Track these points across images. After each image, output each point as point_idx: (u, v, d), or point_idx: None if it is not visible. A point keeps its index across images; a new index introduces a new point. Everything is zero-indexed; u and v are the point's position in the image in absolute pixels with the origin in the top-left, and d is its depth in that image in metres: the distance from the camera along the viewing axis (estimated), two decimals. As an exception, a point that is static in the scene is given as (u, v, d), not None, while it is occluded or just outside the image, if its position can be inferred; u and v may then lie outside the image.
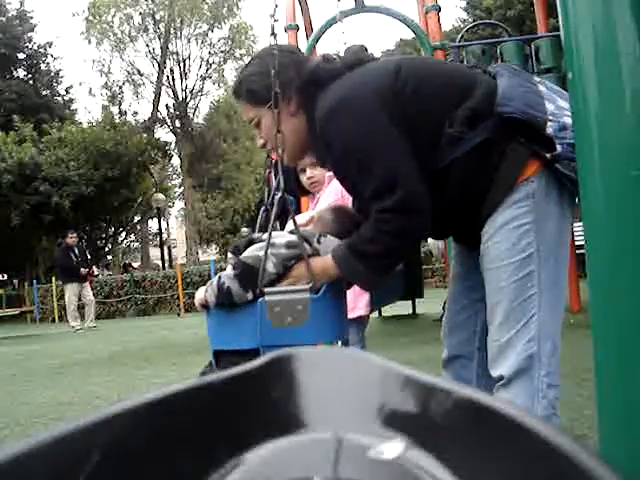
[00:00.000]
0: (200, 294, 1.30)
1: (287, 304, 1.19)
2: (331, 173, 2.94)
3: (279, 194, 1.26)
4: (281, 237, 1.27)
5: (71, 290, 9.91)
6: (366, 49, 1.34)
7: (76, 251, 10.08)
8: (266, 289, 1.21)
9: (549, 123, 1.13)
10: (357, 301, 2.38)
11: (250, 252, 1.26)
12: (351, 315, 1.83)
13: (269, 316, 1.19)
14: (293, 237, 1.26)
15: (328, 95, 1.22)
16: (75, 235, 10.50)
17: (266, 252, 1.21)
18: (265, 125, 1.31)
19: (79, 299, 10.12)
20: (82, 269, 9.93)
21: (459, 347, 1.40)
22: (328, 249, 1.27)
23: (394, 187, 1.13)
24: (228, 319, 1.27)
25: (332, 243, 1.30)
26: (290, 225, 1.35)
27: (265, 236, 1.27)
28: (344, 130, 1.19)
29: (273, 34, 1.29)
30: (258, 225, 1.45)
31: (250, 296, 1.21)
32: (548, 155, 1.13)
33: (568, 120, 1.14)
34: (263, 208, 1.41)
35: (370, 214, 1.18)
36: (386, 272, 1.26)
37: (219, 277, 1.24)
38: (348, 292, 1.37)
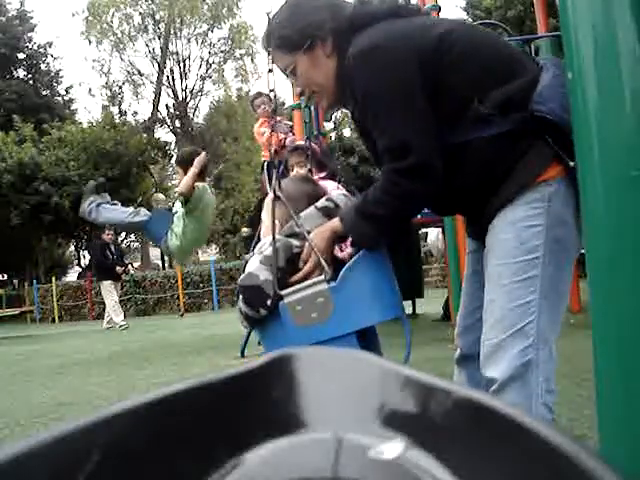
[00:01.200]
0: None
1: (307, 300, 1.18)
2: (329, 185, 2.94)
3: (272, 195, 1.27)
4: (266, 245, 1.28)
5: (107, 288, 9.65)
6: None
7: (112, 248, 9.85)
8: (283, 291, 1.20)
9: None
10: None
11: (244, 274, 1.27)
12: None
13: (293, 317, 1.18)
14: (278, 239, 1.27)
15: (367, 36, 1.20)
16: (112, 232, 10.15)
17: (275, 252, 1.23)
18: (302, 71, 1.29)
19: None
20: (118, 267, 9.72)
21: (472, 347, 1.38)
22: (310, 223, 1.28)
23: (408, 150, 1.12)
24: (267, 332, 1.28)
25: (310, 216, 1.31)
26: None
27: (248, 256, 1.32)
28: (374, 72, 1.16)
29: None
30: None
31: (263, 312, 1.21)
32: (572, 163, 1.10)
33: None
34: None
35: (382, 172, 1.18)
36: (390, 233, 1.28)
37: (239, 304, 1.28)
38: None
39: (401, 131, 1.14)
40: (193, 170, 3.55)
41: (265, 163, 4.88)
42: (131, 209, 3.95)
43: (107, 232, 10.07)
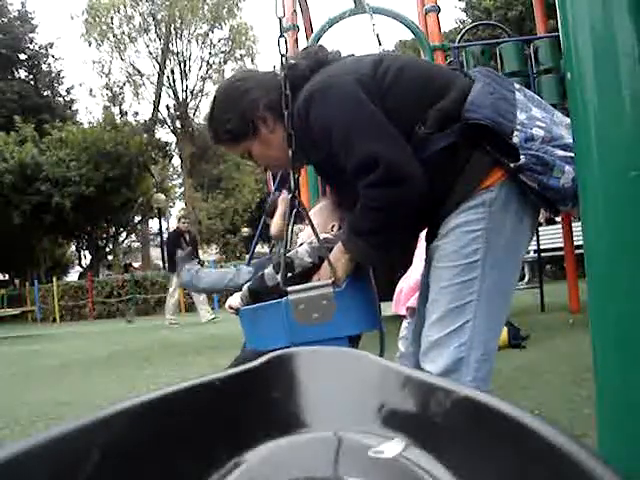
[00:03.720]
0: (233, 300, 1.40)
1: (311, 301, 1.22)
2: None
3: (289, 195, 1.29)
4: (322, 234, 1.34)
5: (178, 281, 8.58)
6: (325, 49, 1.36)
7: (187, 238, 8.90)
8: (289, 288, 1.23)
9: (516, 132, 1.13)
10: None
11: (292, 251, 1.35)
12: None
13: (295, 315, 1.21)
14: (329, 235, 1.34)
15: (309, 85, 1.23)
16: (188, 221, 9.24)
17: (285, 253, 1.27)
18: (256, 153, 1.35)
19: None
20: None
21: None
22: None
23: (377, 162, 1.13)
24: (259, 320, 1.32)
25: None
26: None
27: (292, 252, 1.35)
28: (324, 109, 1.19)
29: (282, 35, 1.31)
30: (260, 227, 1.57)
31: (278, 278, 1.27)
32: (512, 165, 1.14)
33: (538, 131, 1.14)
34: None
35: (359, 192, 1.19)
36: (387, 247, 1.25)
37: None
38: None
39: (366, 146, 1.15)
40: (279, 211, 3.57)
41: None
42: (232, 270, 3.91)
43: (183, 220, 9.13)
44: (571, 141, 1.03)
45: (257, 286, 1.33)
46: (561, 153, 1.14)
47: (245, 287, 1.37)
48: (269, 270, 1.32)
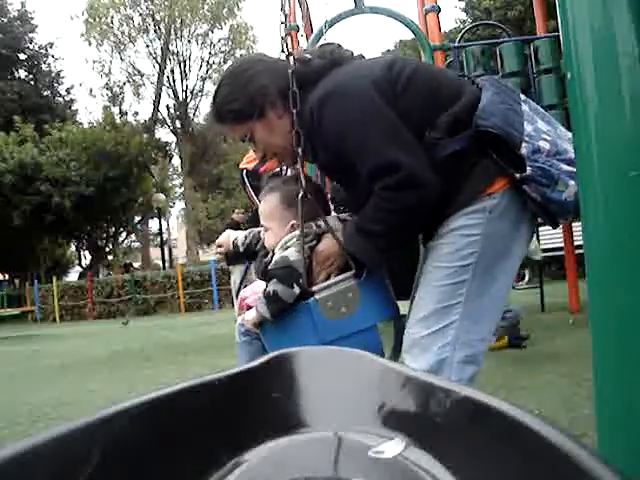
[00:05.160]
0: (251, 315, 1.30)
1: (338, 296, 1.24)
2: None
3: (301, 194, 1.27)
4: (289, 237, 1.31)
5: (238, 273, 8.57)
6: (341, 47, 1.35)
7: (243, 229, 8.76)
8: (314, 288, 1.24)
9: (524, 144, 1.14)
10: None
11: (274, 260, 1.31)
12: None
13: (324, 312, 1.22)
14: (297, 233, 1.31)
15: (323, 85, 1.22)
16: (243, 211, 9.37)
17: (302, 245, 1.25)
18: (259, 137, 1.31)
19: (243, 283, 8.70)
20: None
21: None
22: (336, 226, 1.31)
23: (396, 166, 1.13)
24: (284, 329, 1.28)
25: (334, 220, 1.35)
26: None
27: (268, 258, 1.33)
28: (340, 110, 1.18)
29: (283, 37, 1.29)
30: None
31: (297, 290, 1.23)
32: (517, 175, 1.14)
33: (544, 144, 1.15)
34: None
35: (373, 192, 1.18)
36: (393, 249, 1.26)
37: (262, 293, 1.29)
38: None
39: (386, 149, 1.14)
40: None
41: (244, 173, 4.24)
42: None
43: (237, 211, 9.19)
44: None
45: (279, 307, 1.24)
46: (566, 167, 1.15)
47: (264, 312, 1.25)
48: (278, 287, 1.24)
